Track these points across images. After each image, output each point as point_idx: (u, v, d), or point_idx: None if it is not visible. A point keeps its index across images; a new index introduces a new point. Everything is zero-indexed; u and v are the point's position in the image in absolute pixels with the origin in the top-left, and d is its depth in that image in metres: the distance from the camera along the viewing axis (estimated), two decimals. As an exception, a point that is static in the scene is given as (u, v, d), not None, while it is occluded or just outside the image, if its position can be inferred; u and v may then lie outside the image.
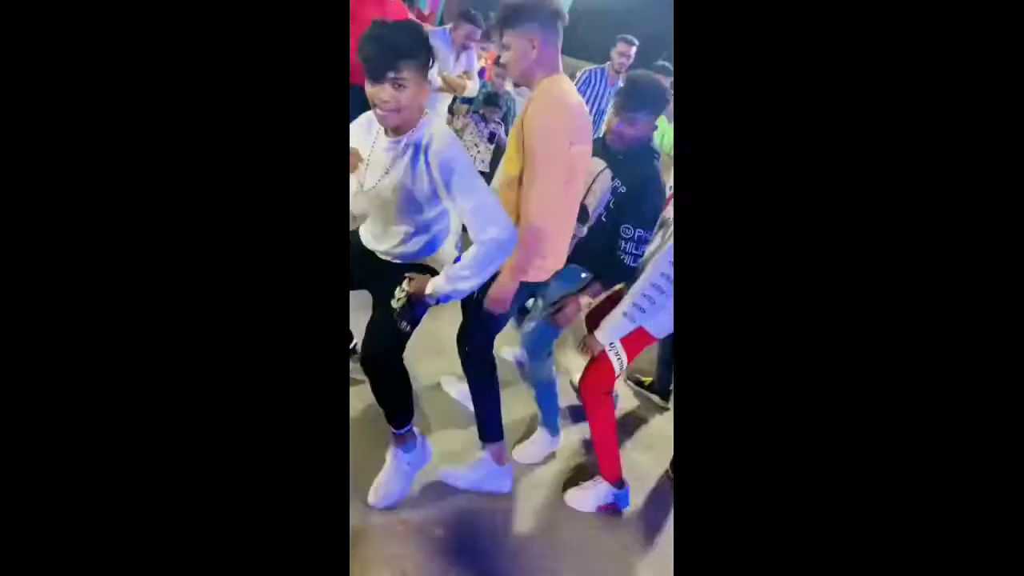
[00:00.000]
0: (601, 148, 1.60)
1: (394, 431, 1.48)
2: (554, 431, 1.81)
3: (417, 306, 1.38)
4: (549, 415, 1.79)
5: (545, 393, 1.76)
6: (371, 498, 1.48)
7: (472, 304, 1.48)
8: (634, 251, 1.57)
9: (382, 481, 1.50)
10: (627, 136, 1.54)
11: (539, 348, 1.71)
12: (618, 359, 1.55)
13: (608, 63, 3.03)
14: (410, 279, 1.36)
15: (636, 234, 1.55)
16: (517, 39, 1.31)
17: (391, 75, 1.14)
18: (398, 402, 1.45)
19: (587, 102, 3.02)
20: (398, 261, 1.45)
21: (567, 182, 1.34)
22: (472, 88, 2.99)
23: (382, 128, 1.29)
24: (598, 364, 1.57)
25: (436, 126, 1.27)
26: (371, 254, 1.48)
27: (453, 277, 1.29)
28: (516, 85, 1.49)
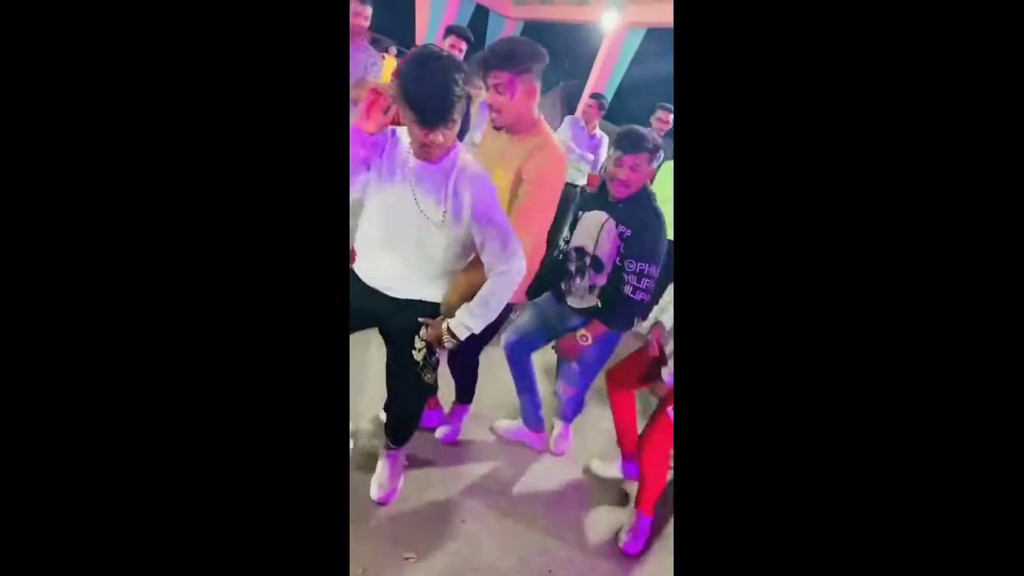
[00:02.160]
0: (603, 201, 1.71)
1: (394, 447, 1.61)
2: (571, 419, 2.06)
3: (436, 352, 1.39)
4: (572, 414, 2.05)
5: (576, 413, 2.06)
6: (373, 494, 1.59)
7: None
8: (636, 283, 1.62)
9: (381, 478, 1.61)
10: (622, 178, 1.62)
11: (581, 401, 1.98)
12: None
13: (648, 129, 3.16)
14: (426, 326, 1.35)
15: (638, 268, 1.61)
16: (521, 84, 1.36)
17: (448, 119, 1.12)
18: (409, 435, 1.59)
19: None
20: (403, 297, 1.40)
21: None
22: None
23: (410, 151, 1.26)
24: (664, 417, 1.62)
25: (466, 154, 1.28)
26: (375, 292, 1.42)
27: (471, 316, 1.30)
28: (497, 128, 1.44)
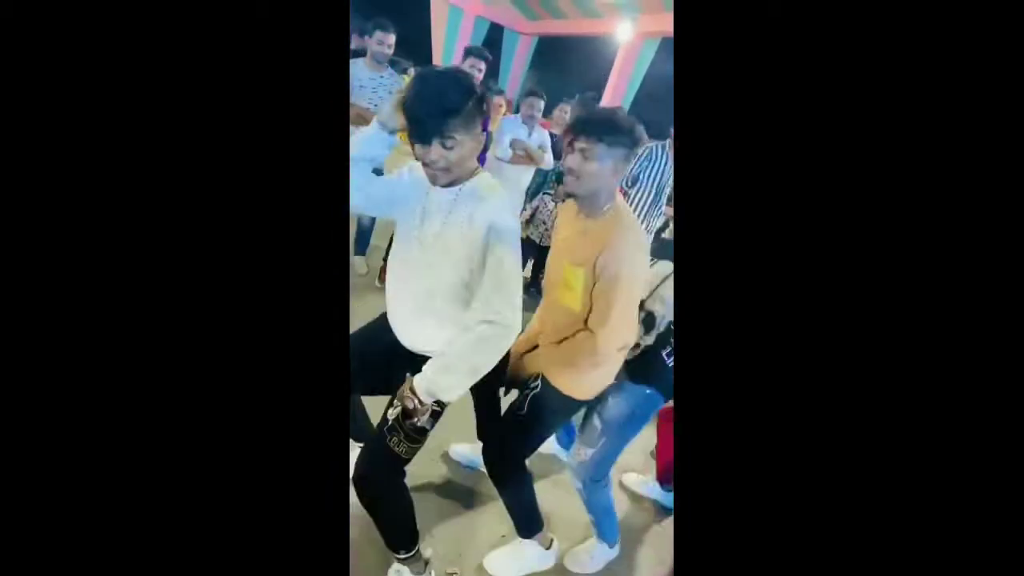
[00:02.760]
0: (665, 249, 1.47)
1: (397, 558, 1.29)
2: (613, 542, 1.63)
3: (414, 417, 1.10)
4: (609, 532, 1.62)
5: (605, 517, 1.58)
6: None
7: (511, 418, 1.37)
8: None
9: None
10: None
11: (600, 475, 1.51)
12: None
13: (668, 139, 2.87)
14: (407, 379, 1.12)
15: None
16: (604, 154, 1.19)
17: (438, 136, 1.02)
18: (398, 529, 1.26)
19: (648, 179, 2.77)
20: (411, 347, 1.21)
21: None
22: (548, 160, 3.18)
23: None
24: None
25: (489, 181, 1.16)
26: (406, 353, 1.22)
27: (442, 372, 1.06)
28: (565, 197, 1.30)
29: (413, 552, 1.29)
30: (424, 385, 1.07)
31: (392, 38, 2.76)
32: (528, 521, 1.48)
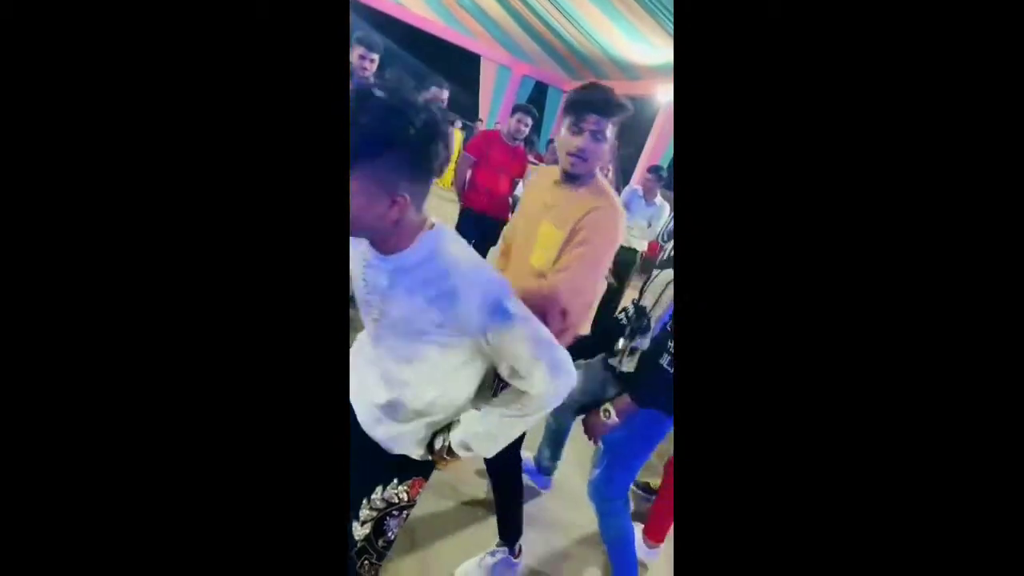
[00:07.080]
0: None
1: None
2: None
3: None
4: (623, 568, 1.51)
5: (620, 549, 1.50)
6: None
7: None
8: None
9: None
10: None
11: (610, 494, 1.48)
12: None
13: None
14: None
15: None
16: (611, 133, 1.28)
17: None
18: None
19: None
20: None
21: None
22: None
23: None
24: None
25: (445, 237, 0.86)
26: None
27: (474, 436, 0.95)
28: (572, 175, 1.32)
29: None
30: (458, 441, 0.96)
31: (446, 93, 2.95)
32: (514, 521, 1.60)
